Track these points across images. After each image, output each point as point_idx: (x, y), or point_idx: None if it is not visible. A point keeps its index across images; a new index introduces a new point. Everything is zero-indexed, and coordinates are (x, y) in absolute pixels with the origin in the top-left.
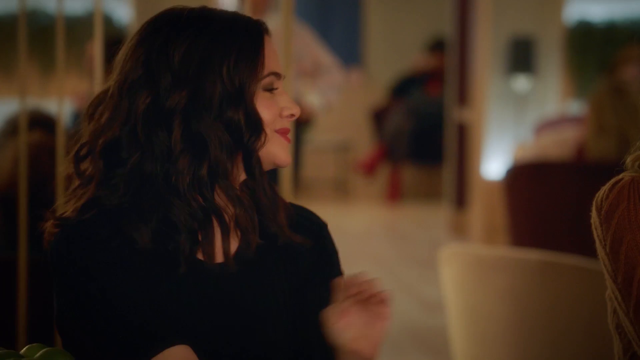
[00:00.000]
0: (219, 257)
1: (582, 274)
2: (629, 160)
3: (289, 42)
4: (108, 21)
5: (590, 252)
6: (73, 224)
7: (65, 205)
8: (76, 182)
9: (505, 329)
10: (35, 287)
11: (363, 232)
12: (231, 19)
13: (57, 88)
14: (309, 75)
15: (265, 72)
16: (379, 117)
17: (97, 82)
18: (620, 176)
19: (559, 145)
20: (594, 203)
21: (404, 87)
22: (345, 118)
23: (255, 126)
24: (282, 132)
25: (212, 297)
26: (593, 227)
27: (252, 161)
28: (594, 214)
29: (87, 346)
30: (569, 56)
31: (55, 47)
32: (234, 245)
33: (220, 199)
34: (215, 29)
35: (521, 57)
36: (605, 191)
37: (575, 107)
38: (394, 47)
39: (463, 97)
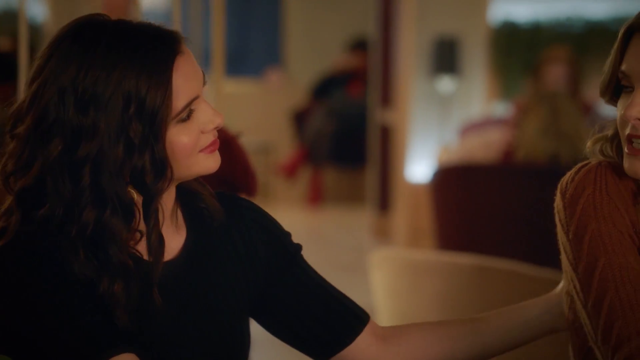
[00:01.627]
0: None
1: (515, 278)
2: (589, 144)
3: (220, 41)
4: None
5: (518, 255)
6: (9, 242)
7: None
8: (8, 199)
9: None
10: None
11: None
12: (138, 49)
13: None
14: None
15: (180, 104)
16: (299, 118)
17: (21, 87)
18: (587, 161)
19: (485, 147)
20: (558, 187)
21: (325, 88)
22: (265, 119)
23: (161, 170)
24: (208, 147)
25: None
26: (556, 210)
27: (150, 208)
28: (558, 197)
29: (31, 355)
30: (493, 57)
31: None
32: (178, 244)
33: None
34: (122, 66)
35: (445, 57)
36: (571, 174)
37: (500, 108)
38: (314, 47)
39: (386, 98)
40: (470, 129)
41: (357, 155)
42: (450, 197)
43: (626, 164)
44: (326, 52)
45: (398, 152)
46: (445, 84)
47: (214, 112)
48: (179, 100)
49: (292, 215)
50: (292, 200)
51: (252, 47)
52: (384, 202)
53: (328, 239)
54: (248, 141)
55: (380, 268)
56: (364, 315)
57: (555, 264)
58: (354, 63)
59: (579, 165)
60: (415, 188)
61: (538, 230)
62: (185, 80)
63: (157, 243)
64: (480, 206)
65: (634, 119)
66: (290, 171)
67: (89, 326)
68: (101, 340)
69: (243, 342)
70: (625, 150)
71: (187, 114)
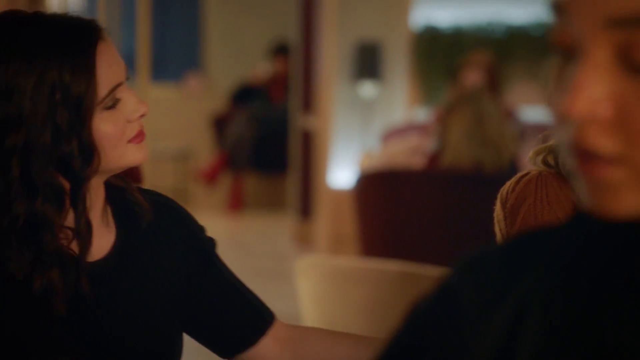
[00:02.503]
0: (98, 254)
1: None
2: (531, 154)
3: (145, 46)
4: None
5: (443, 261)
6: None
7: None
8: None
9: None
10: None
11: None
12: (59, 37)
13: None
14: None
15: (104, 90)
16: (219, 124)
17: None
18: (527, 170)
19: (407, 153)
20: (498, 197)
21: (245, 93)
22: (184, 125)
23: (89, 156)
24: (135, 137)
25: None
26: (496, 220)
27: (78, 195)
28: (497, 207)
29: None
30: (415, 62)
31: None
32: (109, 242)
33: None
34: (43, 55)
35: (367, 62)
36: (511, 184)
37: (422, 113)
38: (235, 51)
39: (308, 103)
40: (393, 134)
41: (279, 161)
42: (374, 203)
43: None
44: (247, 56)
45: (320, 158)
46: (367, 89)
47: (138, 100)
48: (103, 87)
49: (212, 222)
50: (212, 207)
51: (170, 51)
52: (306, 209)
53: (249, 246)
54: (167, 147)
55: (305, 275)
56: (269, 316)
57: None
58: (275, 68)
59: (519, 175)
60: (338, 194)
61: (463, 236)
62: (108, 66)
63: (86, 230)
64: (404, 212)
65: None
66: (210, 177)
67: (22, 334)
68: (36, 349)
69: (172, 346)
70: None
71: (113, 102)
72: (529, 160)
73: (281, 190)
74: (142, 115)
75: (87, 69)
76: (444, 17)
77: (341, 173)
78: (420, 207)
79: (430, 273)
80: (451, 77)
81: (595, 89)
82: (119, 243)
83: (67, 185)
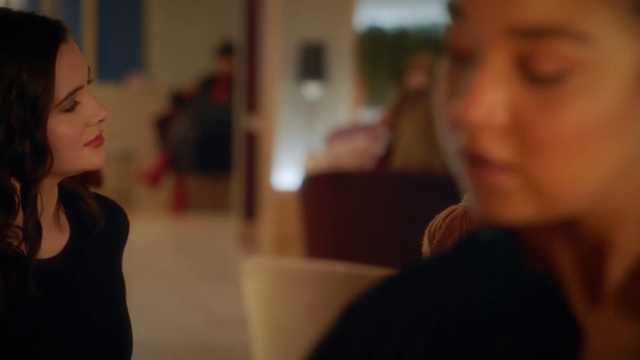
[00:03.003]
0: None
1: None
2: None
3: (92, 45)
4: None
5: (389, 262)
6: None
7: None
8: None
9: (311, 344)
10: None
11: (148, 245)
12: (21, 35)
13: None
14: None
15: (63, 92)
16: (162, 124)
17: None
18: (455, 206)
19: (352, 154)
20: (426, 232)
21: (187, 93)
22: (126, 126)
23: (41, 157)
24: (93, 141)
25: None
26: (424, 256)
27: (28, 195)
28: (425, 243)
29: None
30: (360, 63)
31: None
32: (61, 243)
33: None
34: (2, 51)
35: (312, 63)
36: (438, 221)
37: (367, 114)
38: (178, 51)
39: (252, 104)
40: (337, 135)
41: (222, 162)
42: (319, 205)
43: None
44: (190, 56)
45: (264, 159)
46: (312, 89)
47: (98, 105)
48: (62, 89)
49: (155, 224)
50: (155, 208)
51: (113, 51)
52: (250, 210)
53: (193, 248)
54: (109, 148)
55: (251, 277)
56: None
57: None
58: (220, 68)
59: (446, 211)
60: (282, 195)
61: (410, 238)
62: (68, 69)
63: (34, 231)
64: (350, 213)
65: None
66: (153, 179)
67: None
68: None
69: (120, 347)
70: None
71: (71, 104)
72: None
73: (225, 191)
74: (102, 120)
75: (46, 69)
76: (389, 17)
77: (286, 174)
78: (366, 208)
79: (376, 274)
80: (396, 78)
81: (492, 96)
82: (70, 245)
83: (18, 185)
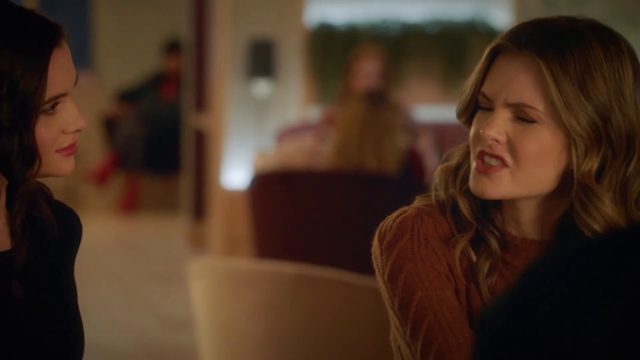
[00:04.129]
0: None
1: (337, 286)
2: (437, 173)
3: None
4: None
5: (339, 263)
6: None
7: None
8: None
9: (259, 345)
10: None
11: (96, 246)
12: (20, 32)
13: None
14: None
15: (50, 95)
16: (110, 123)
17: None
18: (407, 208)
19: (301, 153)
20: (377, 233)
21: (135, 91)
22: None
23: (30, 158)
24: (65, 149)
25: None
26: (373, 257)
27: (15, 194)
28: (375, 243)
29: None
30: (310, 60)
31: None
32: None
33: None
34: (1, 43)
35: (261, 60)
36: (389, 223)
37: (317, 112)
38: (126, 49)
39: (201, 102)
40: (287, 133)
41: (171, 161)
42: (268, 204)
43: (472, 182)
44: (138, 54)
45: (213, 158)
46: (261, 87)
47: (79, 114)
48: (49, 92)
49: (103, 224)
50: (104, 208)
51: None
52: (199, 210)
53: (141, 248)
54: None
55: (199, 278)
56: None
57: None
58: (168, 65)
59: (397, 213)
60: (232, 195)
61: (358, 238)
62: (59, 73)
63: (21, 230)
64: (299, 213)
65: (491, 139)
66: (101, 178)
67: None
68: None
69: (72, 351)
70: (474, 166)
71: (51, 106)
72: (435, 181)
73: (174, 191)
74: (79, 130)
75: (40, 69)
76: (339, 14)
77: (235, 173)
78: (315, 208)
79: (326, 275)
80: (344, 70)
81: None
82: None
83: (4, 184)
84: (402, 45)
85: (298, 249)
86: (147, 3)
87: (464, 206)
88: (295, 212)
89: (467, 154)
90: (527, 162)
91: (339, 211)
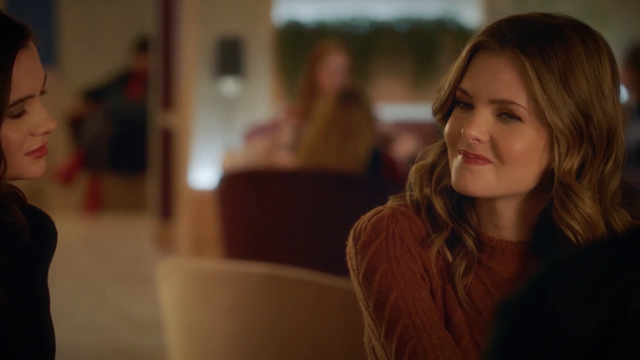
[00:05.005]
0: None
1: (307, 287)
2: (412, 172)
3: None
4: None
5: (309, 263)
6: None
7: None
8: None
9: (228, 346)
10: None
11: (61, 246)
12: None
13: None
14: None
15: (15, 97)
16: (75, 122)
17: None
18: (382, 207)
19: (270, 152)
20: (351, 232)
21: (102, 90)
22: None
23: None
24: (35, 151)
25: None
26: (348, 257)
27: None
28: (350, 243)
29: None
30: (278, 58)
31: None
32: None
33: None
34: None
35: (229, 58)
36: (363, 223)
37: (280, 109)
38: (92, 47)
39: (168, 100)
40: (255, 132)
41: (138, 161)
42: (237, 204)
43: (454, 177)
44: (104, 52)
45: (180, 157)
46: (229, 86)
47: (47, 116)
48: (13, 94)
49: (69, 224)
50: (69, 208)
51: None
52: (166, 210)
53: (107, 249)
54: None
55: (167, 279)
56: None
57: (348, 273)
58: (137, 64)
59: (372, 212)
60: (199, 195)
61: (329, 238)
62: (25, 75)
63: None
64: (268, 213)
65: (472, 139)
66: (67, 177)
67: None
68: None
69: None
70: (459, 160)
71: (19, 111)
72: (410, 180)
73: (141, 190)
74: (47, 132)
75: (4, 72)
76: (308, 12)
77: (203, 173)
78: (284, 208)
79: (295, 275)
80: (309, 65)
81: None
82: None
83: None
84: (371, 44)
85: (267, 249)
86: (114, 0)
87: (439, 206)
88: (263, 211)
89: (442, 152)
90: (511, 161)
91: (306, 210)
